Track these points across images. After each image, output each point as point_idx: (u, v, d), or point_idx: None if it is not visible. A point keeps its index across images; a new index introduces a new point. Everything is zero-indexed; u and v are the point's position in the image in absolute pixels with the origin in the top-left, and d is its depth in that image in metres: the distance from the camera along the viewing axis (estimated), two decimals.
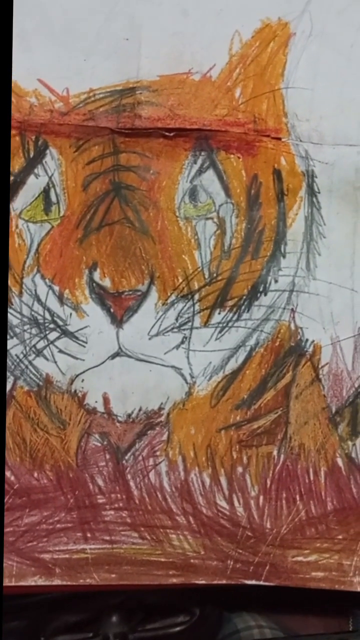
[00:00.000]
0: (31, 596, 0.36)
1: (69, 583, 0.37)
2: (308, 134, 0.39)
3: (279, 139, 0.39)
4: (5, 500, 0.38)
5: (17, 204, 0.39)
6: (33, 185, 0.39)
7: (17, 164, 0.39)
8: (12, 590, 0.37)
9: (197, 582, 0.37)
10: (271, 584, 0.37)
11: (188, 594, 0.48)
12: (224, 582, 0.36)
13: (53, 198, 0.39)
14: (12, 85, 0.40)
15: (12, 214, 0.39)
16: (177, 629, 0.49)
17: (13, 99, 0.40)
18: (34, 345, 0.38)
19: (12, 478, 0.38)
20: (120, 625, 0.48)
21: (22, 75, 0.40)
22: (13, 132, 0.39)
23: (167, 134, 0.38)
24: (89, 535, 0.37)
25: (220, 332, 0.38)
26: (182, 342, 0.38)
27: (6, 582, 0.37)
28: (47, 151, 0.39)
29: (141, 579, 0.37)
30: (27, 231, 0.39)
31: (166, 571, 0.37)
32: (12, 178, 0.39)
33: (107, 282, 0.38)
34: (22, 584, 0.37)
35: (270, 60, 0.39)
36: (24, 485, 0.37)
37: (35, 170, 0.39)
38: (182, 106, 0.39)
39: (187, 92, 0.39)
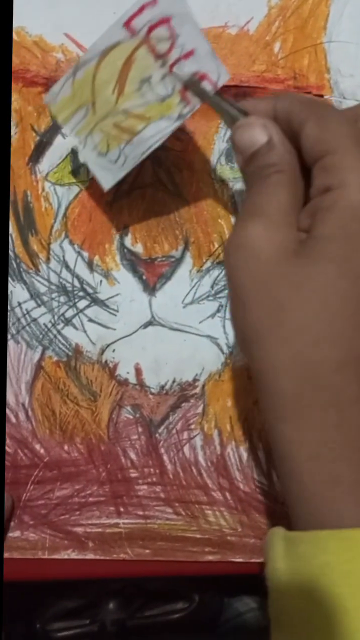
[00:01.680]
0: (26, 582, 0.36)
1: (102, 557, 0.36)
2: (352, 90, 0.38)
3: (322, 96, 0.38)
4: (34, 473, 0.37)
5: (43, 166, 0.39)
6: (60, 146, 0.39)
7: (43, 123, 0.39)
8: (49, 563, 0.36)
9: (233, 559, 0.37)
10: None
11: (187, 580, 0.48)
12: (262, 560, 0.36)
13: (81, 159, 0.38)
14: (38, 40, 0.39)
15: (38, 176, 0.39)
16: (177, 615, 0.50)
17: (39, 55, 0.39)
18: (63, 314, 0.38)
19: (42, 451, 0.38)
20: (118, 611, 0.49)
21: (48, 30, 0.39)
22: (39, 89, 0.39)
23: None
24: (122, 509, 0.37)
25: None
26: (218, 311, 0.38)
27: (39, 555, 0.37)
28: None
29: (176, 555, 0.37)
30: (54, 194, 0.39)
31: (202, 548, 0.37)
32: (37, 138, 0.39)
33: (139, 248, 0.38)
34: (56, 557, 0.37)
35: (311, 12, 0.39)
36: (54, 458, 0.37)
37: (63, 130, 0.38)
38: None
39: (223, 47, 0.39)
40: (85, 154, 0.34)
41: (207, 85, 0.31)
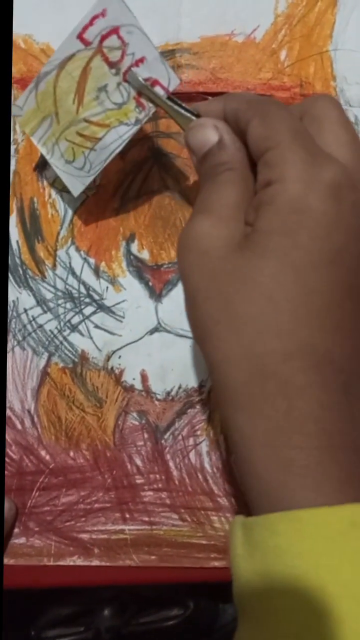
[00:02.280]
0: (21, 589, 0.37)
1: (108, 564, 0.37)
2: (358, 98, 0.38)
3: None
4: (40, 480, 0.38)
5: (51, 173, 0.39)
6: None
7: None
8: (50, 570, 0.37)
9: None
10: None
11: (182, 587, 0.48)
12: None
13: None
14: (45, 47, 0.39)
15: (45, 182, 0.39)
16: (172, 622, 0.50)
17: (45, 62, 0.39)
18: (69, 321, 0.38)
19: (48, 457, 0.38)
20: (113, 618, 0.49)
21: (55, 35, 0.39)
22: None
23: (209, 98, 0.38)
24: (127, 516, 0.37)
25: None
26: None
27: (45, 562, 0.37)
28: None
29: (182, 562, 0.37)
30: (60, 201, 0.39)
31: (208, 554, 0.37)
32: None
33: (145, 254, 0.38)
34: (61, 564, 0.37)
35: (317, 20, 0.39)
36: (59, 464, 0.38)
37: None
38: (225, 69, 0.39)
39: (230, 55, 0.39)
40: (53, 162, 0.36)
41: (159, 90, 0.33)
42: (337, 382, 0.27)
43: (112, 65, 0.33)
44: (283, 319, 0.26)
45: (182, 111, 0.32)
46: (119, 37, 0.32)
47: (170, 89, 0.33)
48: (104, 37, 0.32)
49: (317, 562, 0.25)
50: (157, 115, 0.39)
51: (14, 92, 0.40)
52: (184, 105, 0.32)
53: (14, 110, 0.36)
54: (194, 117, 0.32)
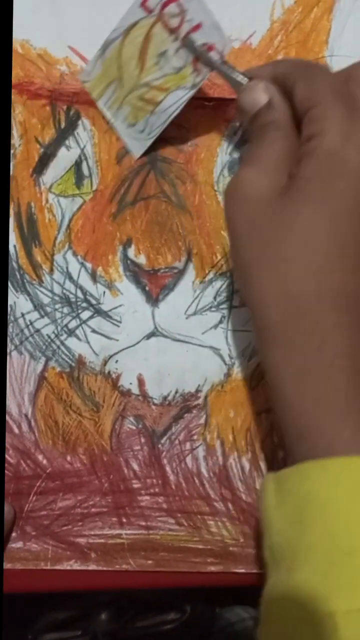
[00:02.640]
0: (18, 593, 0.37)
1: (104, 568, 0.37)
2: None
3: None
4: (37, 484, 0.38)
5: (47, 178, 0.39)
6: (64, 158, 0.40)
7: (47, 135, 0.40)
8: (48, 574, 0.37)
9: (236, 570, 0.37)
10: None
11: (178, 592, 0.48)
12: (264, 571, 0.36)
13: (85, 171, 0.39)
14: (43, 53, 0.40)
15: (42, 187, 0.39)
16: (168, 626, 0.50)
17: (43, 68, 0.40)
18: (66, 325, 0.39)
19: (45, 462, 0.38)
20: (109, 623, 0.49)
21: (52, 42, 0.40)
22: (43, 101, 0.40)
23: (205, 103, 0.38)
24: (124, 520, 0.38)
25: None
26: (221, 322, 0.39)
27: (42, 566, 0.37)
28: (79, 122, 0.40)
29: (179, 566, 0.37)
30: (57, 206, 0.39)
31: (204, 559, 0.37)
32: (41, 150, 0.40)
33: (142, 259, 0.38)
34: (58, 568, 0.37)
35: (313, 26, 0.39)
36: (56, 469, 0.38)
37: (67, 142, 0.39)
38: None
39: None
40: (117, 126, 0.39)
41: (214, 55, 0.34)
42: None
43: (171, 31, 0.35)
44: (317, 261, 0.29)
45: (235, 75, 0.34)
46: (178, 5, 0.34)
47: (225, 53, 0.35)
48: (164, 5, 0.34)
49: (346, 506, 0.26)
50: None
51: (11, 97, 0.40)
52: (237, 69, 0.35)
53: (81, 76, 0.39)
54: (246, 80, 0.34)
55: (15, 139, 0.40)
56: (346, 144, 0.29)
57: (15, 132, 0.40)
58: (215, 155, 0.39)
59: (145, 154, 0.39)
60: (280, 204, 0.30)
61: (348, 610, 0.25)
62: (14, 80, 0.40)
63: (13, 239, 0.40)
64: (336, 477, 0.27)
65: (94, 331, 0.39)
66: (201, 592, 0.52)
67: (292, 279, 0.29)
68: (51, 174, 0.40)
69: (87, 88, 0.38)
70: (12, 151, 0.40)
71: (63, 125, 0.40)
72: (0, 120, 0.35)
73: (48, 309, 0.39)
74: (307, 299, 0.28)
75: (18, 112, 0.40)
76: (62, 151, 0.40)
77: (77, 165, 0.40)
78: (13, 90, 0.40)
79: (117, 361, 0.39)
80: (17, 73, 0.40)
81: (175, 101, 0.36)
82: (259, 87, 0.33)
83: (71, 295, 0.39)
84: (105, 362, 0.39)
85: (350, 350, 0.28)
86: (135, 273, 0.39)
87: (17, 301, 0.39)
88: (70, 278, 0.39)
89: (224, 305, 0.39)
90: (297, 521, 0.27)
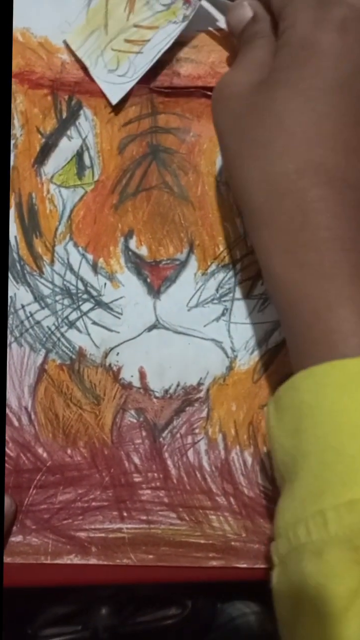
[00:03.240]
0: (18, 588, 0.37)
1: (105, 562, 0.37)
2: None
3: None
4: (37, 478, 0.38)
5: (49, 168, 0.39)
6: (65, 148, 0.39)
7: (48, 125, 0.39)
8: (48, 569, 0.37)
9: (238, 565, 0.37)
10: None
11: (180, 587, 0.48)
12: (266, 566, 0.36)
13: (87, 162, 0.39)
14: (43, 41, 0.39)
15: (44, 178, 0.39)
16: (169, 621, 0.50)
17: (44, 56, 0.39)
18: (67, 317, 0.38)
19: (45, 455, 0.38)
20: (110, 617, 0.49)
21: (53, 31, 0.39)
22: (45, 91, 0.39)
23: (208, 93, 0.38)
24: (125, 514, 0.37)
25: (263, 303, 0.38)
26: (223, 314, 0.38)
27: (42, 560, 0.37)
28: (81, 112, 0.39)
29: (180, 561, 0.37)
30: (59, 196, 0.39)
31: (206, 553, 0.37)
32: (43, 140, 0.39)
33: (143, 251, 0.38)
34: (58, 562, 0.37)
35: None
36: (57, 462, 0.38)
37: (68, 132, 0.39)
38: (224, 64, 0.39)
39: (230, 49, 0.39)
40: (96, 73, 0.39)
41: None
42: (350, 198, 0.29)
43: None
44: (294, 141, 0.30)
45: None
46: None
47: None
48: None
49: (332, 406, 0.27)
50: (156, 110, 0.39)
51: (12, 86, 0.40)
52: None
53: (63, 27, 0.40)
54: (230, 2, 0.36)
55: (17, 129, 0.40)
56: (316, 29, 0.30)
57: (16, 122, 0.40)
58: (218, 145, 0.39)
59: (150, 146, 0.38)
60: (258, 95, 0.31)
61: (336, 505, 0.26)
62: (14, 69, 0.39)
63: (14, 229, 0.39)
64: (322, 381, 0.28)
65: (94, 323, 0.39)
66: (202, 587, 0.51)
67: (271, 162, 0.30)
68: (52, 164, 0.40)
69: (68, 40, 0.39)
70: (13, 141, 0.40)
71: (65, 115, 0.40)
72: (1, 116, 0.34)
73: (49, 301, 0.39)
74: (288, 178, 0.30)
75: (19, 101, 0.40)
76: (64, 141, 0.40)
77: (79, 155, 0.39)
78: (14, 80, 0.40)
79: (118, 354, 0.39)
80: (17, 62, 0.40)
81: (166, 36, 0.37)
82: (244, 4, 0.35)
83: (72, 287, 0.39)
84: (106, 355, 0.39)
85: (333, 222, 0.29)
86: (137, 264, 0.39)
87: (18, 292, 0.39)
88: (71, 269, 0.39)
89: (226, 298, 0.39)
90: (294, 433, 0.28)
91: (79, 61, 0.39)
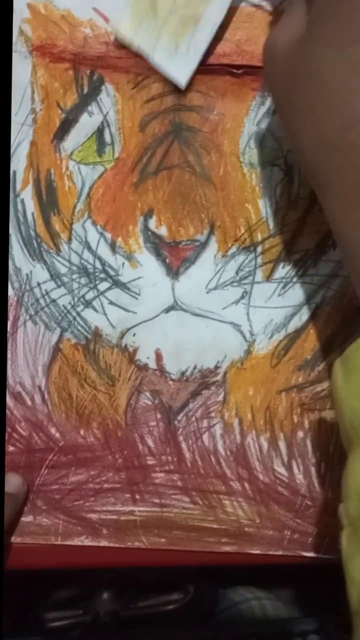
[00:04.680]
0: (19, 571, 0.37)
1: (116, 545, 0.37)
2: None
3: None
4: (49, 458, 0.38)
5: (68, 144, 0.39)
6: (86, 124, 0.39)
7: (69, 100, 0.39)
8: (59, 549, 0.37)
9: (251, 551, 0.37)
10: (331, 557, 0.37)
11: (182, 571, 0.48)
12: (280, 552, 0.36)
13: (107, 138, 0.39)
14: (66, 14, 0.39)
15: (63, 154, 0.39)
16: (171, 606, 0.50)
17: (67, 30, 0.39)
18: (83, 296, 0.38)
19: (57, 435, 0.38)
20: (111, 602, 0.49)
21: (76, 3, 0.39)
22: (66, 65, 0.39)
23: (234, 71, 0.37)
24: (137, 497, 0.37)
25: (283, 287, 0.38)
26: (242, 297, 0.38)
27: (52, 541, 0.37)
28: (103, 87, 0.39)
29: (192, 545, 0.37)
30: (78, 173, 0.39)
31: (218, 538, 0.37)
32: (63, 115, 0.39)
33: (163, 231, 0.38)
34: (69, 543, 0.37)
35: None
36: (69, 442, 0.38)
37: (89, 108, 0.39)
38: (250, 42, 0.39)
39: (256, 27, 0.39)
40: (157, 62, 0.38)
41: None
42: None
43: None
44: (335, 97, 0.29)
45: None
46: None
47: None
48: None
49: None
50: (179, 89, 0.39)
51: (33, 59, 0.39)
52: None
53: (110, 25, 0.38)
54: None
55: (37, 103, 0.39)
56: None
57: (36, 96, 0.39)
58: (242, 125, 0.39)
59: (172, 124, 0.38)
60: (296, 54, 0.31)
61: None
62: (36, 42, 0.39)
63: (31, 206, 0.39)
64: None
65: (111, 303, 0.39)
66: (205, 573, 0.51)
67: (316, 125, 0.30)
68: (72, 140, 0.39)
69: (120, 35, 0.38)
70: (32, 116, 0.39)
71: (86, 90, 0.39)
72: (1, 116, 0.34)
73: (65, 279, 0.39)
74: (336, 136, 0.29)
75: (40, 75, 0.39)
76: (84, 117, 0.39)
77: (99, 132, 0.39)
78: (35, 53, 0.39)
79: (134, 334, 0.39)
80: (39, 35, 0.39)
81: (218, 8, 0.37)
82: None
83: (89, 266, 0.39)
84: (122, 335, 0.39)
85: None
86: (156, 245, 0.38)
87: (34, 270, 0.39)
88: (89, 248, 0.39)
89: (246, 281, 0.38)
90: None
91: (100, 36, 0.39)
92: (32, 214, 0.39)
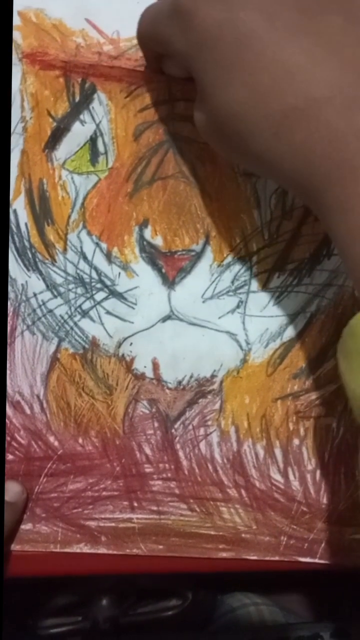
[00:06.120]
0: (18, 578, 0.38)
1: (115, 552, 0.38)
2: None
3: None
4: (48, 466, 0.39)
5: (61, 153, 0.40)
6: (78, 133, 0.40)
7: (60, 108, 0.40)
8: (57, 557, 0.38)
9: (248, 557, 0.39)
10: (326, 562, 0.39)
11: (180, 578, 0.50)
12: (276, 558, 0.38)
13: (101, 148, 0.40)
14: (58, 24, 0.40)
15: (55, 163, 0.39)
16: (169, 613, 0.51)
17: (58, 39, 0.40)
18: (80, 306, 0.39)
19: (56, 443, 0.39)
20: (110, 608, 0.50)
21: (69, 13, 0.39)
22: (56, 72, 0.40)
23: None
24: (135, 504, 0.39)
25: (278, 296, 0.39)
26: (238, 307, 0.39)
27: (51, 548, 0.38)
28: (95, 95, 0.40)
29: (189, 552, 0.38)
30: (71, 183, 0.40)
31: (216, 545, 0.38)
32: (54, 124, 0.40)
33: (158, 241, 0.39)
34: (68, 551, 0.38)
35: None
36: (68, 451, 0.39)
37: (81, 117, 0.39)
38: None
39: None
40: None
41: None
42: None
43: None
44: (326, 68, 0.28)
45: None
46: None
47: None
48: None
49: None
50: (173, 97, 0.40)
51: (22, 67, 0.40)
52: None
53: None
54: None
55: (27, 111, 0.40)
56: None
57: (26, 104, 0.40)
58: None
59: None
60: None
61: None
62: (27, 49, 0.40)
63: (24, 216, 0.40)
64: None
65: (108, 313, 0.40)
66: (203, 579, 0.53)
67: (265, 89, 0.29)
68: (64, 149, 0.40)
69: None
70: (22, 124, 0.40)
71: (77, 98, 0.40)
72: (1, 116, 0.35)
73: (61, 289, 0.40)
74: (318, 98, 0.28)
75: (29, 82, 0.40)
76: (77, 126, 0.40)
77: (92, 141, 0.40)
78: (25, 60, 0.40)
79: (131, 344, 0.40)
80: (30, 42, 0.40)
81: None
82: None
83: (85, 276, 0.40)
84: (119, 345, 0.40)
85: None
86: (152, 255, 0.39)
87: (29, 280, 0.40)
88: (85, 258, 0.40)
89: (241, 290, 0.40)
90: None
91: (92, 45, 0.39)
92: (26, 224, 0.40)
